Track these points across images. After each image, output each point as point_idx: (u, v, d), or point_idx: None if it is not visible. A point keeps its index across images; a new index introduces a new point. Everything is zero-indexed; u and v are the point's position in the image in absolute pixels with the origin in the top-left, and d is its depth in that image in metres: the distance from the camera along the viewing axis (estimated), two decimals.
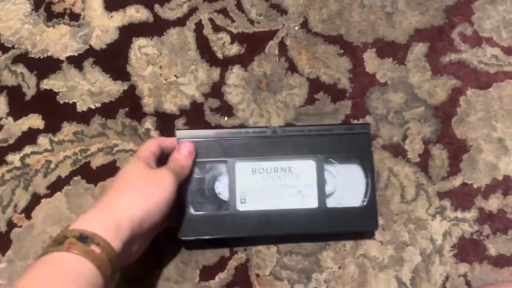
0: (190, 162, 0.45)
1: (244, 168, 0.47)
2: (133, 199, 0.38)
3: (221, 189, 0.47)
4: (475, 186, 0.50)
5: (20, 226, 0.49)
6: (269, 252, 0.48)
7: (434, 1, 0.56)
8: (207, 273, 0.48)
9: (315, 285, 0.47)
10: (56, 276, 0.33)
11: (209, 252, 0.48)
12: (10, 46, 0.55)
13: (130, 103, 0.53)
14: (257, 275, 0.48)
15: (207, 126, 0.52)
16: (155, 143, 0.45)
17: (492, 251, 0.48)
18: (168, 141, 0.46)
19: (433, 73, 0.54)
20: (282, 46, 0.54)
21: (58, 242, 0.34)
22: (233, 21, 0.55)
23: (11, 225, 0.49)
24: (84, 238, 0.34)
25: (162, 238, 0.47)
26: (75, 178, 0.50)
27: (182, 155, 0.45)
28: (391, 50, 0.54)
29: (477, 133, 0.52)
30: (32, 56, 0.54)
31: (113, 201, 0.38)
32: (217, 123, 0.52)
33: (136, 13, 0.56)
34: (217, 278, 0.48)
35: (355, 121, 0.52)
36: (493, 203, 0.50)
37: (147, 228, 0.39)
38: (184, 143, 0.46)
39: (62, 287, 0.32)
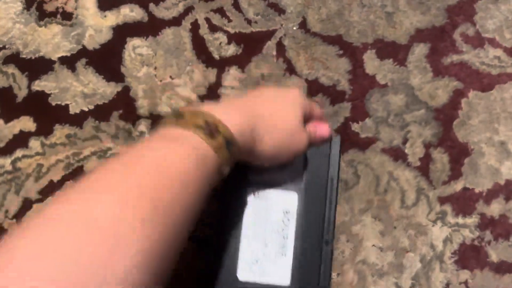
0: (319, 144, 0.44)
1: None
2: (274, 137, 0.37)
3: None
4: (476, 190, 0.49)
5: None
6: None
7: (436, 1, 0.55)
8: (202, 279, 0.47)
9: None
10: (197, 157, 0.31)
11: (200, 259, 0.47)
12: (1, 46, 0.53)
13: (124, 105, 0.51)
14: None
15: None
16: (308, 104, 0.43)
17: (494, 257, 0.47)
18: (318, 112, 0.45)
19: (434, 75, 0.52)
20: (280, 46, 0.53)
21: (210, 134, 0.33)
22: (230, 20, 0.54)
23: (1, 231, 0.48)
24: (230, 144, 0.33)
25: None
26: (68, 182, 0.49)
27: (315, 135, 0.43)
28: (392, 51, 0.53)
29: (479, 136, 0.51)
30: (24, 56, 0.53)
31: (262, 121, 0.37)
32: None
33: (131, 13, 0.54)
34: None
35: (354, 124, 0.51)
36: (495, 208, 0.49)
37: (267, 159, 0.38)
38: (324, 126, 0.43)
39: (201, 169, 0.31)
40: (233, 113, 0.35)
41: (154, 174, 0.29)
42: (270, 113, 0.38)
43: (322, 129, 0.43)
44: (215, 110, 0.34)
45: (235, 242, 0.40)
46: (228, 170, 0.35)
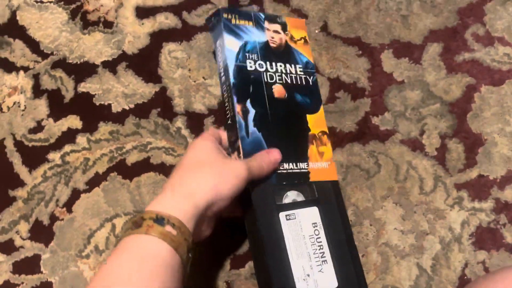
0: (271, 170, 0.44)
1: None
2: (207, 180, 0.39)
3: None
4: (491, 177, 0.52)
5: (62, 219, 0.52)
6: None
7: (448, 4, 0.59)
8: (238, 261, 0.51)
9: None
10: (139, 260, 0.34)
11: (240, 242, 0.51)
12: (49, 52, 0.59)
13: (161, 104, 0.56)
14: None
15: None
16: (216, 131, 0.46)
17: (509, 239, 0.50)
18: (224, 135, 0.47)
19: (448, 72, 0.56)
20: None
21: (137, 225, 0.36)
22: None
23: (53, 218, 0.52)
24: (160, 219, 0.36)
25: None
26: (112, 174, 0.54)
27: (269, 159, 0.44)
28: (407, 51, 0.57)
29: (491, 127, 0.54)
30: (70, 61, 0.58)
31: (186, 182, 0.39)
32: None
33: (166, 20, 0.59)
34: (246, 266, 0.50)
35: (374, 118, 0.55)
36: (509, 194, 0.52)
37: (216, 211, 0.40)
38: (276, 151, 0.45)
39: (145, 270, 0.33)
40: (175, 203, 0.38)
41: None
42: (187, 166, 0.41)
43: (274, 154, 0.45)
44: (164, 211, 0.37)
45: (287, 263, 0.43)
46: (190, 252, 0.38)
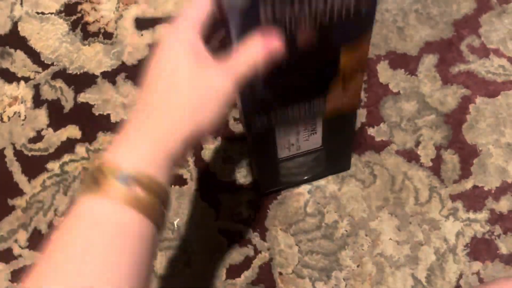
0: (267, 63, 0.30)
1: None
2: (182, 115, 0.29)
3: None
4: (486, 188, 0.53)
5: None
6: (291, 251, 0.51)
7: (443, 16, 0.59)
8: (233, 271, 0.51)
9: (335, 282, 0.50)
10: (93, 235, 0.26)
11: (235, 252, 0.51)
12: (49, 63, 0.60)
13: None
14: (280, 273, 0.51)
15: (231, 134, 0.56)
16: (206, 4, 0.30)
17: (504, 250, 0.51)
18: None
19: (443, 83, 0.57)
20: None
21: (94, 180, 0.27)
22: None
23: (52, 227, 0.53)
24: (124, 177, 0.26)
25: (192, 239, 0.50)
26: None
27: (264, 50, 0.30)
28: (403, 62, 0.58)
29: (486, 138, 0.55)
30: (70, 72, 0.59)
31: (156, 118, 0.28)
32: (240, 132, 0.56)
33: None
34: (242, 276, 0.51)
35: (370, 128, 0.55)
36: (504, 205, 0.52)
37: (193, 144, 0.31)
38: (274, 35, 0.30)
39: (102, 250, 0.25)
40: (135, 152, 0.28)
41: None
42: (156, 91, 0.29)
43: (273, 40, 0.30)
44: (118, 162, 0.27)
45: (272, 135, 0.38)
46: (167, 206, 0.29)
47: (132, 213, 0.26)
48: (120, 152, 0.28)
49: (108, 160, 0.27)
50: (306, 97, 0.39)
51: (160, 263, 0.51)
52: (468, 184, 0.53)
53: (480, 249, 0.51)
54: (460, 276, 0.50)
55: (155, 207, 0.27)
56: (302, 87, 0.38)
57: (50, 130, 0.57)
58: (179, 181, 0.54)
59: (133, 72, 0.59)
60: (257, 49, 0.30)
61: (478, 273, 0.50)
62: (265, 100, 0.37)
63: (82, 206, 0.27)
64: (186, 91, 0.29)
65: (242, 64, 0.30)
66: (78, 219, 0.27)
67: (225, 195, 0.53)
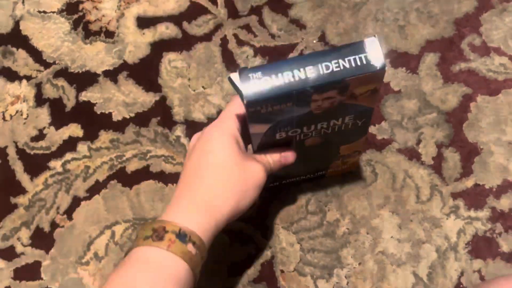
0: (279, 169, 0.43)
1: None
2: (228, 197, 0.37)
3: None
4: (487, 186, 0.53)
5: (62, 226, 0.53)
6: (293, 249, 0.52)
7: (444, 14, 0.60)
8: (235, 269, 0.51)
9: (336, 280, 0.50)
10: (156, 276, 0.33)
11: (237, 250, 0.52)
12: (51, 62, 0.60)
13: (161, 113, 0.57)
14: (282, 271, 0.51)
15: None
16: (234, 117, 0.39)
17: (505, 247, 0.51)
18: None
19: (444, 81, 0.57)
20: None
21: (158, 236, 0.34)
22: (255, 36, 0.60)
23: (54, 225, 0.53)
24: (183, 235, 0.34)
25: None
26: (112, 182, 0.55)
27: (281, 160, 0.42)
28: (404, 60, 0.58)
29: (487, 137, 0.55)
30: (72, 70, 0.59)
31: (209, 194, 0.37)
32: None
33: (166, 30, 0.60)
34: (244, 274, 0.51)
35: (371, 127, 0.55)
36: (505, 203, 0.52)
37: (234, 219, 0.39)
38: (291, 153, 0.43)
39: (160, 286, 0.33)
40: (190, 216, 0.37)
41: None
42: (209, 174, 0.38)
43: (288, 157, 0.43)
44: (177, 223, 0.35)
45: None
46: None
47: (183, 263, 0.34)
48: (179, 218, 0.36)
49: (170, 221, 0.35)
50: (310, 173, 0.52)
51: None
52: (469, 182, 0.53)
53: (481, 247, 0.51)
54: (462, 273, 0.50)
55: (199, 262, 0.36)
56: (307, 168, 0.50)
57: (52, 128, 0.57)
58: None
59: (134, 70, 0.59)
60: (276, 159, 0.42)
61: (479, 271, 0.50)
62: (273, 175, 0.45)
63: (146, 251, 0.35)
64: (235, 177, 0.38)
65: (268, 164, 0.41)
66: (141, 263, 0.34)
67: None
